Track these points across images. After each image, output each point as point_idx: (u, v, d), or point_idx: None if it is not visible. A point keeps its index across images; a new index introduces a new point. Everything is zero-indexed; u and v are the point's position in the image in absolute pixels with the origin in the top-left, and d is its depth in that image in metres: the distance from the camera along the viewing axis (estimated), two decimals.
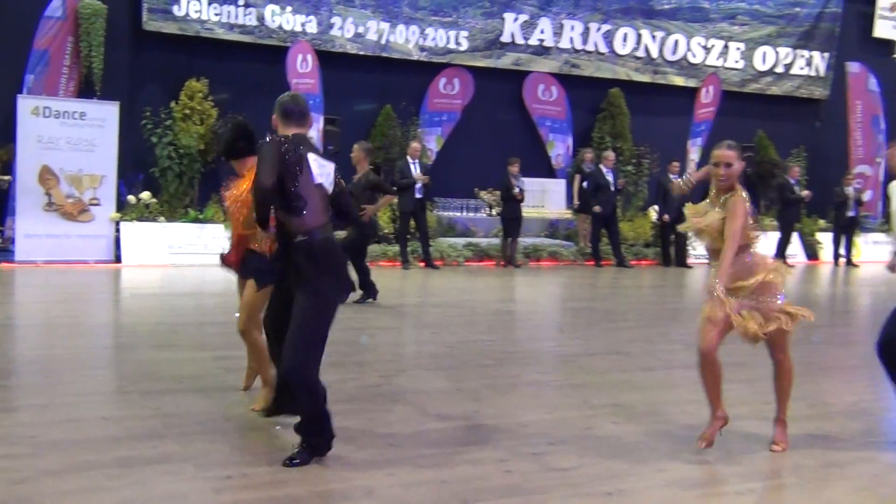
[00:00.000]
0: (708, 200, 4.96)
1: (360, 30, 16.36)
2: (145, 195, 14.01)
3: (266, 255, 5.28)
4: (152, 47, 15.13)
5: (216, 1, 15.31)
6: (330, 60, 15.75)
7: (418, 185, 14.05)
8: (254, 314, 5.43)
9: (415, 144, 14.78)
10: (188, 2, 15.11)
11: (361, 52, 16.44)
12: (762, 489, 4.55)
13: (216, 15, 15.34)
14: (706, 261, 15.47)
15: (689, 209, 5.07)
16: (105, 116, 13.54)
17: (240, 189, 5.42)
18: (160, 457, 4.63)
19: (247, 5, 15.54)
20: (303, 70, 15.20)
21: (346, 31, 16.29)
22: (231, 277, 5.97)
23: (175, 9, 15.03)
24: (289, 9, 15.80)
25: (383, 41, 16.54)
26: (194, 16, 15.19)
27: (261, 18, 15.63)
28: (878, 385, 7.33)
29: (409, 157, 14.31)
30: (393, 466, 4.59)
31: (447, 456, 4.80)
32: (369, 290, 10.21)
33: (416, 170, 14.12)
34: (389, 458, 4.73)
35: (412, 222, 14.30)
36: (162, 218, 14.00)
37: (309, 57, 15.25)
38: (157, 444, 4.86)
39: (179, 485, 4.23)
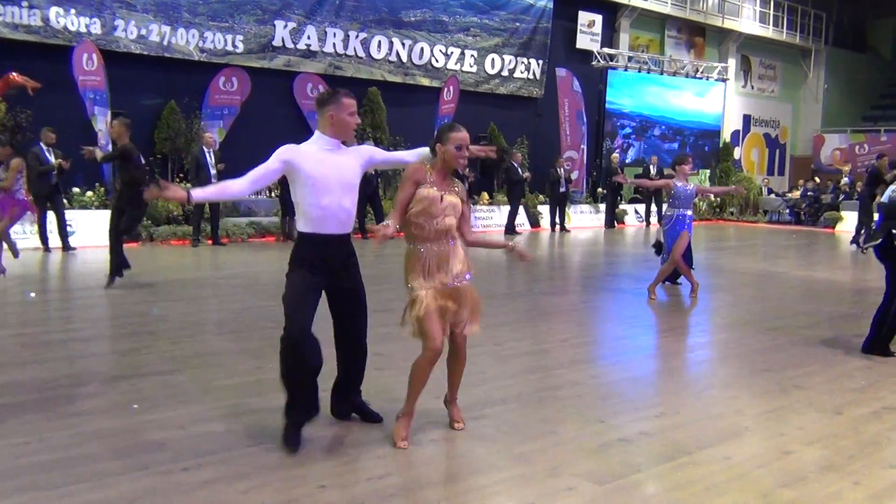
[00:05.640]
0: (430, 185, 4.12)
1: (143, 32, 15.36)
2: None
3: None
4: None
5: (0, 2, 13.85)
6: (115, 59, 14.71)
7: (213, 172, 13.57)
8: None
9: (208, 135, 14.27)
10: None
11: (145, 52, 15.47)
12: (496, 413, 4.80)
13: (0, 15, 13.88)
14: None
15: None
16: None
17: None
18: None
19: (31, 6, 14.16)
20: (88, 68, 14.13)
21: (130, 32, 15.24)
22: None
23: None
24: (73, 11, 14.56)
25: (165, 42, 15.65)
26: None
27: (45, 19, 14.29)
28: (582, 326, 7.97)
29: (203, 147, 13.80)
30: (184, 420, 4.46)
31: (233, 408, 4.72)
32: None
33: (210, 158, 13.65)
34: (182, 413, 4.59)
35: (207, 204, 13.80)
36: None
37: (94, 56, 14.18)
38: None
39: None
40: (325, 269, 4.14)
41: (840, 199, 22.30)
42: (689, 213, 9.11)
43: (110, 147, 14.02)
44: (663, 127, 24.01)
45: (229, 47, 16.47)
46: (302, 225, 4.15)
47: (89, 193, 14.03)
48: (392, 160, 4.63)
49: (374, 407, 4.58)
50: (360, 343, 4.47)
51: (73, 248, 12.41)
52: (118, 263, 9.08)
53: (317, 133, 4.17)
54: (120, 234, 9.09)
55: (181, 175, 15.45)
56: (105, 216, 13.51)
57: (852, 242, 16.75)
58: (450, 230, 4.19)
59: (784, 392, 5.36)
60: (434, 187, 4.13)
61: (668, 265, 9.13)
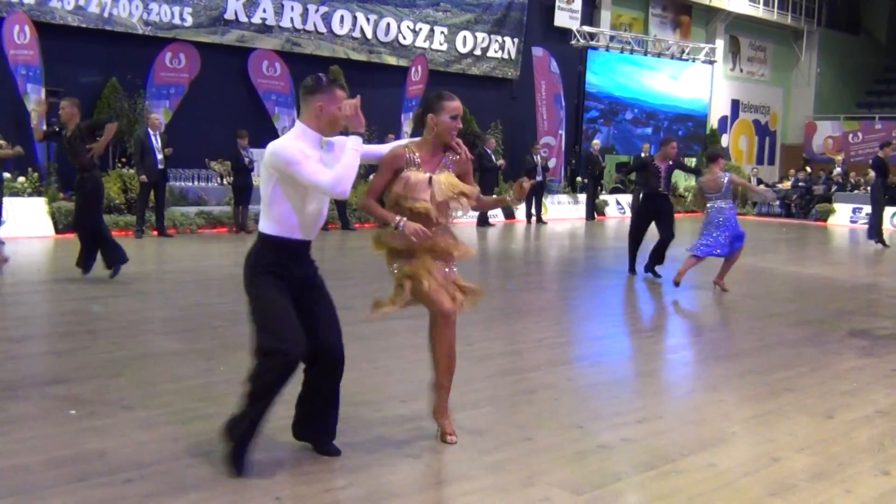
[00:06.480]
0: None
1: (81, 2, 15.13)
2: None
3: None
4: None
5: None
6: (50, 32, 14.50)
7: (159, 157, 13.41)
8: None
9: (154, 116, 14.08)
10: None
11: (83, 25, 15.23)
12: (467, 418, 4.81)
13: None
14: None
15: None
16: None
17: None
18: None
19: None
20: (20, 41, 13.90)
21: (67, 3, 14.98)
22: None
23: None
24: None
25: (106, 14, 15.42)
26: None
27: None
28: (559, 324, 8.00)
29: (149, 129, 13.62)
30: (125, 428, 4.41)
31: (180, 413, 4.67)
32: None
33: (156, 141, 13.47)
34: (123, 420, 4.54)
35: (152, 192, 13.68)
36: None
37: (26, 28, 13.95)
38: None
39: None
40: (289, 277, 3.94)
41: (832, 190, 22.63)
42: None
43: (44, 125, 13.79)
44: (636, 110, 24.10)
45: (176, 20, 16.29)
46: (269, 227, 3.90)
47: (21, 179, 13.78)
48: (366, 155, 4.53)
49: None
50: (337, 348, 4.14)
51: (2, 242, 12.11)
52: (118, 256, 9.02)
53: (301, 126, 4.00)
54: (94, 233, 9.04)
55: (124, 160, 15.26)
56: (38, 203, 13.41)
57: (871, 238, 15.66)
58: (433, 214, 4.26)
59: (773, 395, 5.43)
60: (421, 169, 4.22)
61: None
